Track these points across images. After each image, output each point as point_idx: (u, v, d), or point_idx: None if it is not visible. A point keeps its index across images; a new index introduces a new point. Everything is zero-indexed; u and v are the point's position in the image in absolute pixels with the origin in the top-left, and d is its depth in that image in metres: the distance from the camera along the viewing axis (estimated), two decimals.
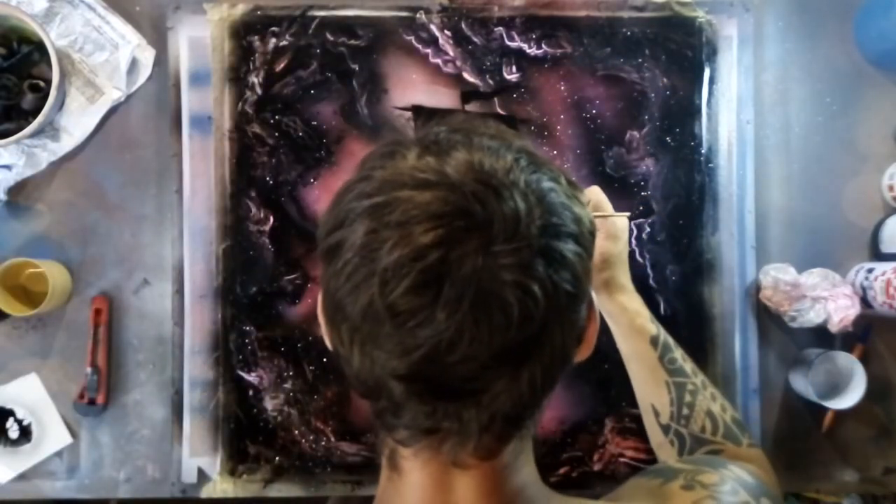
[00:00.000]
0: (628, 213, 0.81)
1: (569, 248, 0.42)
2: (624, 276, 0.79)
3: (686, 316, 0.94)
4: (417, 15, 0.94)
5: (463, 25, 0.94)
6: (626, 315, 0.78)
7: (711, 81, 0.95)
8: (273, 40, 0.93)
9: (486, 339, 0.39)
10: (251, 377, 0.92)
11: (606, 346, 0.94)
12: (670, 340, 0.78)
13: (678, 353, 0.78)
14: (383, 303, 0.40)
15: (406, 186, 0.41)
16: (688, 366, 0.78)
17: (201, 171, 0.93)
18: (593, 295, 0.48)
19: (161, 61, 0.94)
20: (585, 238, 0.45)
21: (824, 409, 0.92)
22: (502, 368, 0.41)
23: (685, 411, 0.75)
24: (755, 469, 0.62)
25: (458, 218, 0.40)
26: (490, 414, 0.42)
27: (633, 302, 0.79)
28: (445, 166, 0.42)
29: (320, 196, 0.93)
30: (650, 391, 0.78)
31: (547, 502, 0.50)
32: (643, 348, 0.77)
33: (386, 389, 0.42)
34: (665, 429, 0.76)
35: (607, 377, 0.92)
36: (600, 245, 0.76)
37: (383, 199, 0.41)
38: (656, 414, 0.77)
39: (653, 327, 0.78)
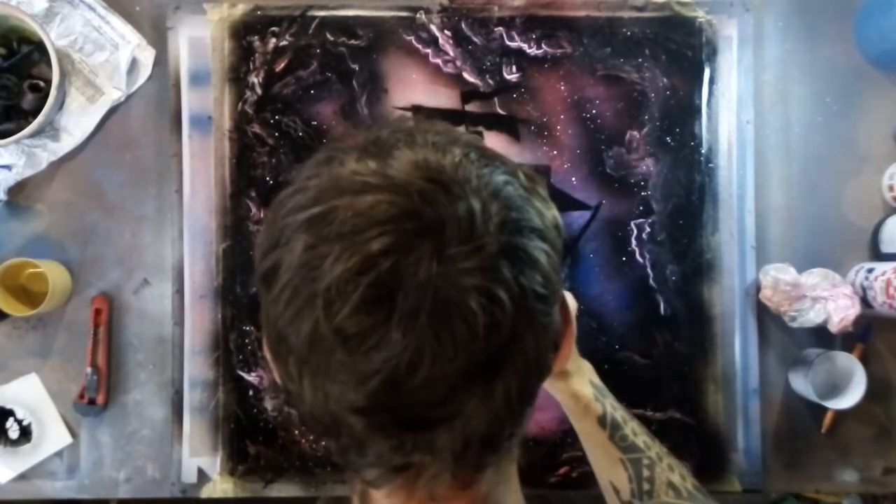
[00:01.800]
0: (571, 297, 0.77)
1: (534, 244, 0.39)
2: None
3: (686, 316, 0.94)
4: (417, 15, 0.94)
5: (463, 25, 0.94)
6: (566, 397, 0.75)
7: (711, 81, 0.95)
8: (273, 40, 0.93)
9: (451, 355, 0.35)
10: (251, 377, 0.92)
11: (605, 347, 0.94)
12: (619, 415, 0.75)
13: (629, 429, 0.74)
14: (330, 327, 0.35)
15: (345, 193, 0.37)
16: (640, 440, 0.74)
17: (201, 171, 0.93)
18: (567, 297, 0.45)
19: (161, 61, 0.94)
20: (551, 233, 0.41)
21: (824, 409, 0.92)
22: (473, 386, 0.37)
23: (646, 486, 0.71)
24: None
25: (405, 221, 0.36)
26: (464, 438, 0.38)
27: (575, 383, 0.75)
28: (388, 168, 0.38)
29: None
30: (606, 470, 0.74)
31: None
32: (591, 429, 0.74)
33: (345, 425, 0.38)
34: None
35: (606, 377, 0.91)
36: None
37: (320, 209, 0.37)
38: (616, 492, 0.73)
39: (598, 406, 0.74)
